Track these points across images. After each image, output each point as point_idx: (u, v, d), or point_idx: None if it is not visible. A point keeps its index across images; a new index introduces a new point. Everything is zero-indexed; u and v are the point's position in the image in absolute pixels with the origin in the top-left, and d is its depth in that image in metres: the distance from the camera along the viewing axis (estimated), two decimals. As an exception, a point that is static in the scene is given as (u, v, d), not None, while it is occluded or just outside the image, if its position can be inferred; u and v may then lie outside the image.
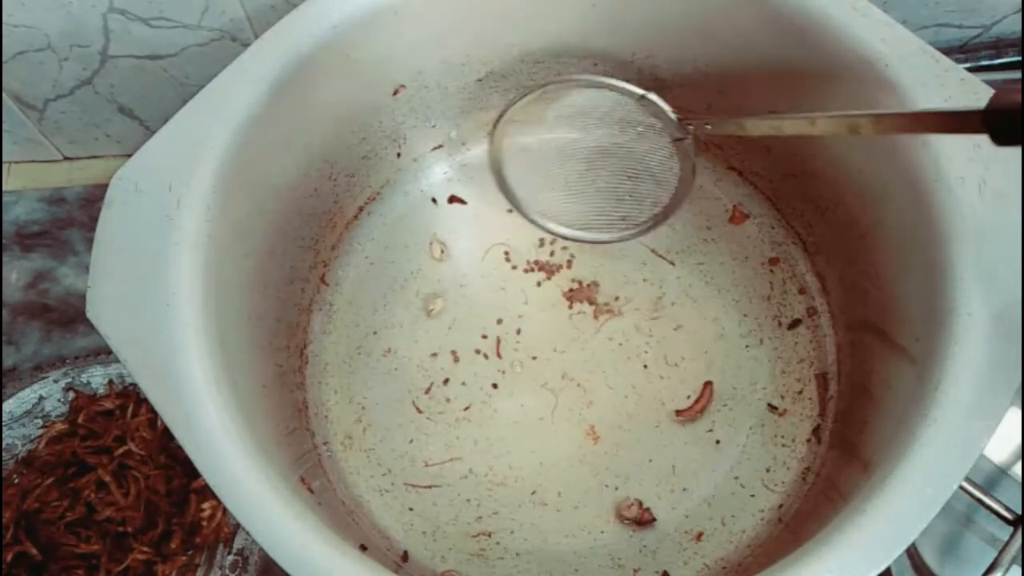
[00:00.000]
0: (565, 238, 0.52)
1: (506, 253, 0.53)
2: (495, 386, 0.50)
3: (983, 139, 0.37)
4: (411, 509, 0.47)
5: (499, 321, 0.51)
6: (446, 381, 0.50)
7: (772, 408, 0.48)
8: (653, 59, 0.50)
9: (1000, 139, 0.29)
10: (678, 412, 0.48)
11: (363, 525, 0.46)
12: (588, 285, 0.52)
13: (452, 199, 0.55)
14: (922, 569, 0.43)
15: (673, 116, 0.44)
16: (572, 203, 0.51)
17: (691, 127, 0.44)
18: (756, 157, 0.52)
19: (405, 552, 0.46)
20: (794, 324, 0.50)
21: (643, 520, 0.46)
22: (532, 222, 0.52)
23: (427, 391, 0.50)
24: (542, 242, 0.53)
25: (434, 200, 0.55)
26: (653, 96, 0.44)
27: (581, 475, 0.48)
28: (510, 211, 0.54)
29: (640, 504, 0.46)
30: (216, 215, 0.39)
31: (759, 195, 0.54)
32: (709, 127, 0.43)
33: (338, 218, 0.53)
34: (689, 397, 0.49)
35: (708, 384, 0.49)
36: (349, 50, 0.44)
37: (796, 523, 0.45)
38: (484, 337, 0.51)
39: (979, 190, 0.37)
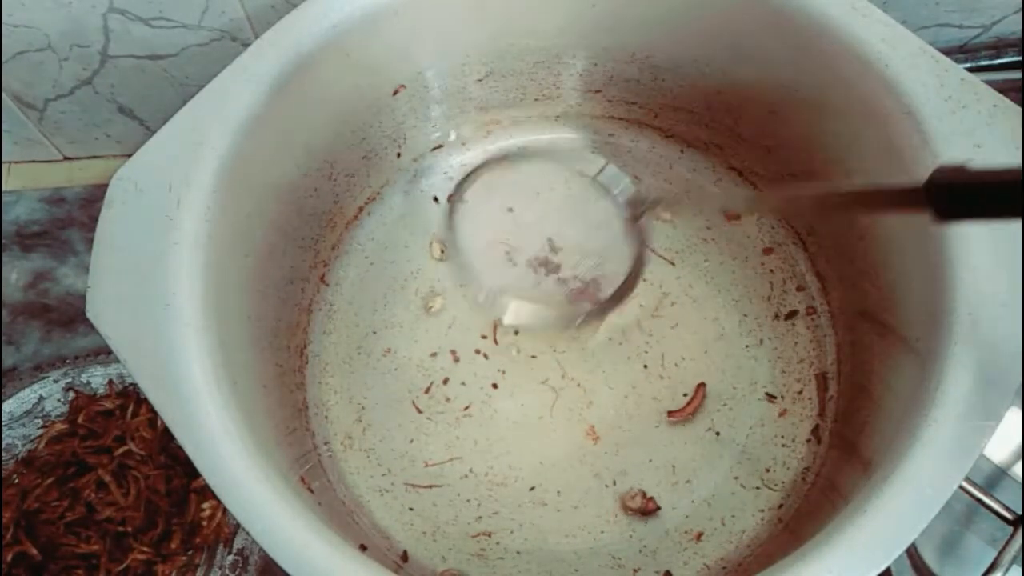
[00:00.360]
0: (516, 328, 0.51)
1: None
2: (495, 386, 0.50)
3: (984, 139, 0.38)
4: (411, 509, 0.47)
5: (499, 321, 0.51)
6: (446, 381, 0.50)
7: (770, 397, 0.48)
8: (653, 59, 0.50)
9: (942, 214, 0.29)
10: (670, 413, 0.48)
11: (363, 525, 0.46)
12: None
13: (452, 198, 0.55)
14: (922, 569, 0.43)
15: (625, 197, 0.43)
16: (525, 285, 0.48)
17: (643, 207, 0.43)
18: (756, 157, 0.52)
19: (405, 552, 0.46)
20: (791, 315, 0.50)
21: (648, 510, 0.46)
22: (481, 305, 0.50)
23: (427, 391, 0.50)
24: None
25: (435, 199, 0.55)
26: (604, 176, 0.43)
27: (581, 475, 0.48)
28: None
29: (644, 494, 0.46)
30: (216, 215, 0.39)
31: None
32: (658, 208, 0.42)
33: (338, 218, 0.53)
34: (686, 395, 0.49)
35: (701, 386, 0.49)
36: (349, 50, 0.44)
37: (796, 523, 0.45)
38: (484, 337, 0.51)
39: (979, 190, 0.37)
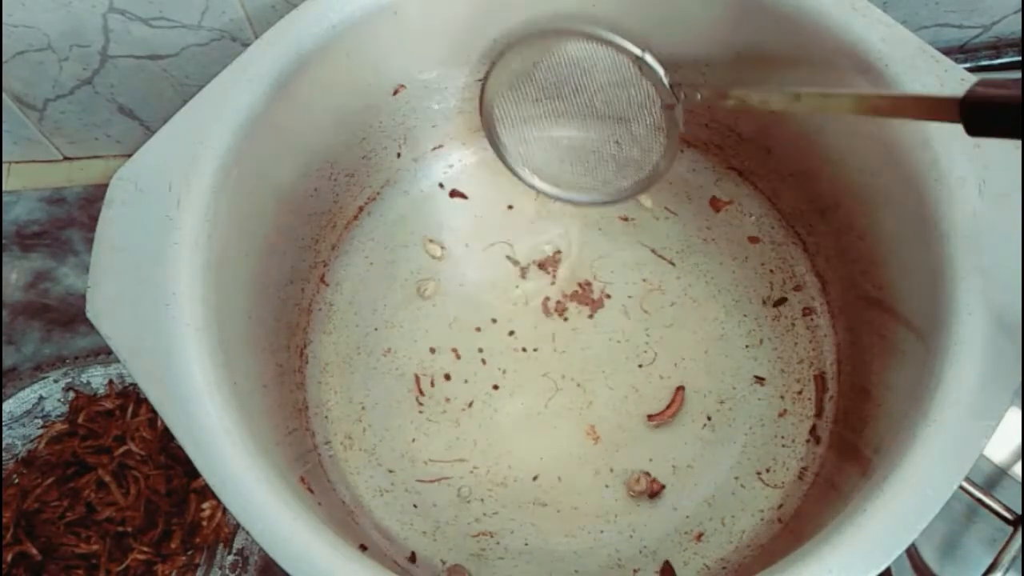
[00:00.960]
0: (545, 194, 0.52)
1: (507, 254, 0.53)
2: (495, 387, 0.50)
3: (984, 139, 0.38)
4: (411, 509, 0.47)
5: (499, 321, 0.51)
6: (447, 380, 0.50)
7: (758, 379, 0.49)
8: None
9: (973, 129, 0.29)
10: (650, 416, 0.48)
11: (363, 525, 0.46)
12: (588, 285, 0.52)
13: (453, 193, 0.55)
14: (922, 569, 0.43)
15: (666, 81, 0.44)
16: (556, 159, 0.51)
17: (683, 94, 0.44)
18: (756, 157, 0.52)
19: (413, 553, 0.46)
20: (779, 302, 0.51)
21: (653, 491, 0.46)
22: (515, 174, 0.52)
23: (427, 391, 0.50)
24: (542, 243, 0.54)
25: (440, 185, 0.55)
26: (649, 58, 0.43)
27: (581, 475, 0.48)
28: (511, 207, 0.54)
29: (647, 475, 0.46)
30: (216, 215, 0.39)
31: (759, 195, 0.54)
32: (699, 96, 0.43)
33: (338, 218, 0.53)
34: (701, 392, 0.49)
35: (680, 389, 0.49)
36: (349, 50, 0.44)
37: (796, 523, 0.45)
38: (484, 337, 0.51)
39: (979, 190, 0.37)
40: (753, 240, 0.53)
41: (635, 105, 0.46)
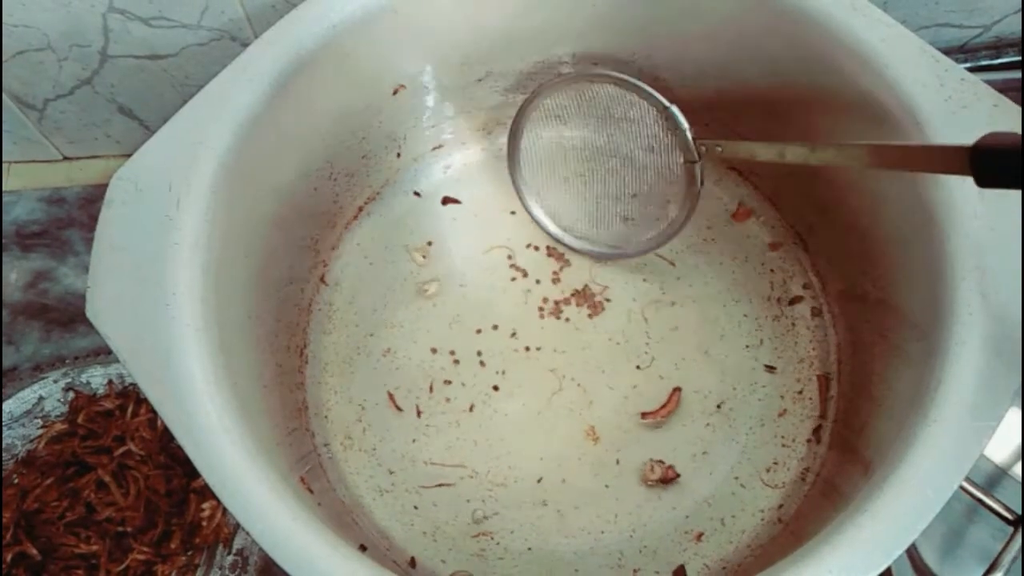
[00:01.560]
0: (562, 243, 0.53)
1: (508, 255, 0.53)
2: (495, 388, 0.50)
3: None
4: (412, 509, 0.47)
5: (499, 321, 0.51)
6: (447, 382, 0.50)
7: (768, 368, 0.49)
8: (653, 59, 0.50)
9: (983, 180, 0.29)
10: (643, 414, 0.48)
11: (363, 525, 0.46)
12: (588, 285, 0.52)
13: (446, 200, 0.55)
14: (922, 569, 0.43)
15: (690, 135, 0.44)
16: (576, 207, 0.52)
17: (704, 149, 0.44)
18: (756, 157, 0.52)
19: (412, 558, 0.46)
20: (796, 300, 0.51)
21: (668, 478, 0.46)
22: (533, 218, 0.52)
23: (427, 391, 0.50)
24: (542, 243, 0.53)
25: (416, 193, 0.55)
26: (675, 110, 0.44)
27: (581, 475, 0.48)
28: (513, 213, 0.54)
29: (661, 463, 0.47)
30: (216, 215, 0.39)
31: (759, 195, 0.54)
32: (720, 149, 0.43)
33: (338, 218, 0.53)
34: (701, 393, 0.49)
35: (676, 391, 0.49)
36: (349, 50, 0.44)
37: (796, 523, 0.45)
38: (484, 338, 0.51)
39: (979, 190, 0.37)
40: (753, 240, 0.53)
41: (658, 159, 0.47)
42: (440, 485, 0.48)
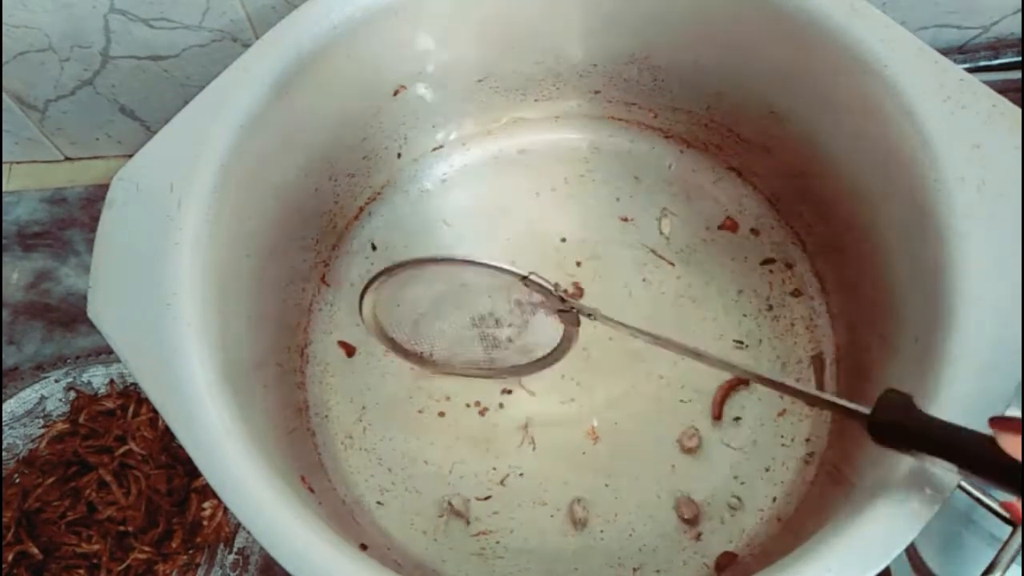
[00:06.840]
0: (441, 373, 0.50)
1: (507, 255, 0.53)
2: (503, 390, 0.50)
3: (983, 139, 0.38)
4: (412, 508, 0.47)
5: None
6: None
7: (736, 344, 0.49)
8: (652, 59, 0.51)
9: (880, 441, 0.32)
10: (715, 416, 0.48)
11: (364, 524, 0.47)
12: (588, 286, 0.52)
13: (452, 194, 0.55)
14: (922, 569, 0.43)
15: (557, 293, 0.42)
16: (447, 346, 0.48)
17: (572, 307, 0.42)
18: (756, 157, 0.52)
19: (412, 558, 0.46)
20: (795, 300, 0.51)
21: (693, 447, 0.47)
22: (404, 356, 0.49)
23: (428, 391, 0.50)
24: (542, 243, 0.54)
25: (442, 182, 0.55)
26: (535, 276, 0.41)
27: (581, 475, 0.48)
28: (510, 208, 0.54)
29: (695, 429, 0.48)
30: (217, 215, 0.39)
31: (759, 195, 0.54)
32: (590, 315, 0.42)
33: (338, 218, 0.53)
34: (683, 401, 0.49)
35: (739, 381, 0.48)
36: (349, 50, 0.44)
37: (796, 523, 0.45)
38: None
39: (979, 190, 0.37)
40: (753, 240, 0.53)
41: (526, 312, 0.44)
42: (440, 485, 0.48)
